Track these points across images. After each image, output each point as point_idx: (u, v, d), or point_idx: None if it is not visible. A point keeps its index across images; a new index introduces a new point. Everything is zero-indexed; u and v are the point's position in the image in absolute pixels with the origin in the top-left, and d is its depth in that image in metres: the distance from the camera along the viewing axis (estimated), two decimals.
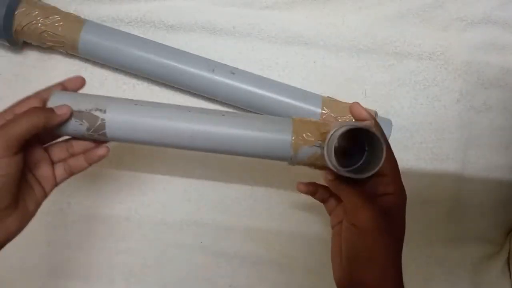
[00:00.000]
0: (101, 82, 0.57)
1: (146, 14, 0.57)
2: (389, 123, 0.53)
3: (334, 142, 0.32)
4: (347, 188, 0.34)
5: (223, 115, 0.39)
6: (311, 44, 0.58)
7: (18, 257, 0.56)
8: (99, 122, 0.37)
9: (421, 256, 0.58)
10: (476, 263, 0.59)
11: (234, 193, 0.57)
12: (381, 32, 0.58)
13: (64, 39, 0.51)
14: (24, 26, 0.51)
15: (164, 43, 0.57)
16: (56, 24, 0.51)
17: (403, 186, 0.34)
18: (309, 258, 0.57)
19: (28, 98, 0.37)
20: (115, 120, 0.37)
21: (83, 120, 0.37)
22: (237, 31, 0.57)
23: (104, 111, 0.37)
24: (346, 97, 0.58)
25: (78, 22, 0.52)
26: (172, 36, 0.57)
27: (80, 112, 0.36)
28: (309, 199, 0.57)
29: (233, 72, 0.52)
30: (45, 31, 0.51)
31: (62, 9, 0.57)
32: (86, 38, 0.51)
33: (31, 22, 0.50)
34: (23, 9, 0.50)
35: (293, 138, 0.36)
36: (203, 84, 0.52)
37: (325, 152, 0.34)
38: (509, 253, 0.59)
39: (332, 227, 0.40)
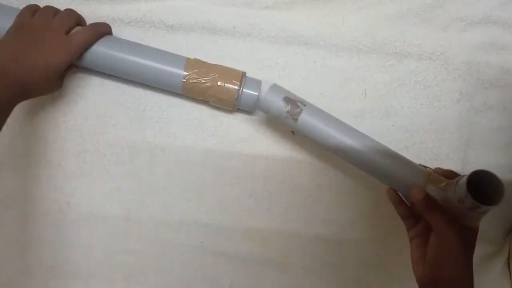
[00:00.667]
0: (101, 82, 0.57)
1: (146, 14, 0.57)
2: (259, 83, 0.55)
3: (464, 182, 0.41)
4: (437, 211, 0.43)
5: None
6: (311, 44, 0.58)
7: (18, 257, 0.56)
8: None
9: None
10: (476, 263, 0.59)
11: (234, 193, 0.57)
12: (381, 32, 0.58)
13: None
14: None
15: (164, 43, 0.57)
16: None
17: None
18: (309, 258, 0.57)
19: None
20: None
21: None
22: (237, 31, 0.57)
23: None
24: (346, 97, 0.58)
25: None
26: (172, 36, 0.57)
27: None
28: (308, 199, 0.57)
29: None
30: None
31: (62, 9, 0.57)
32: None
33: None
34: None
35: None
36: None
37: (456, 188, 0.42)
38: (509, 253, 0.59)
39: (411, 240, 0.48)
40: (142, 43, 0.57)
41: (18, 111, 0.55)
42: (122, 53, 0.51)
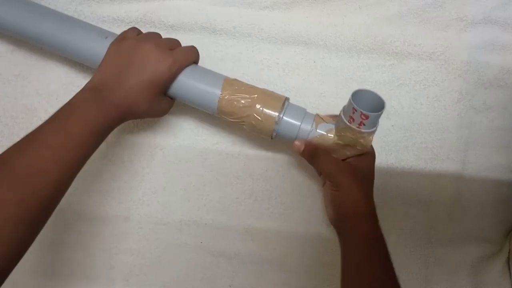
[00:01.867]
0: None
1: (146, 14, 0.57)
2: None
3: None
4: (320, 156, 0.46)
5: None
6: (311, 44, 0.58)
7: None
8: None
9: (421, 256, 0.58)
10: (476, 263, 0.59)
11: (234, 193, 0.57)
12: (381, 32, 0.58)
13: None
14: None
15: None
16: None
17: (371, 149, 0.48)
18: (309, 258, 0.57)
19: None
20: None
21: None
22: (237, 31, 0.57)
23: None
24: (346, 97, 0.58)
25: None
26: (172, 36, 0.57)
27: None
28: (308, 199, 0.57)
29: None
30: None
31: (62, 9, 0.57)
32: None
33: None
34: None
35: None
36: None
37: (343, 114, 0.44)
38: (509, 253, 0.59)
39: (323, 185, 0.51)
40: None
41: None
42: None
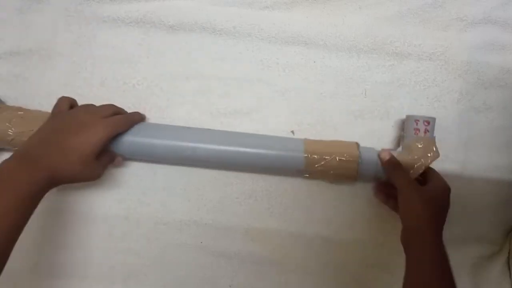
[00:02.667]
0: (101, 82, 0.57)
1: (146, 15, 0.57)
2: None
3: None
4: (399, 170, 0.50)
5: None
6: (311, 44, 0.58)
7: (18, 257, 0.55)
8: None
9: None
10: (476, 263, 0.59)
11: (234, 193, 0.57)
12: (381, 32, 0.58)
13: None
14: None
15: (165, 43, 0.57)
16: (24, 132, 0.49)
17: (443, 179, 0.51)
18: (309, 258, 0.57)
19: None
20: None
21: None
22: (237, 31, 0.57)
23: None
24: (346, 97, 0.58)
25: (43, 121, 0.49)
26: (172, 36, 0.57)
27: None
28: (308, 199, 0.57)
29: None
30: (14, 139, 0.50)
31: (62, 9, 0.57)
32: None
33: (2, 135, 0.49)
34: None
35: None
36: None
37: (404, 133, 0.53)
38: (509, 253, 0.59)
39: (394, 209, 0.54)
40: (143, 43, 0.57)
41: None
42: (238, 147, 0.51)
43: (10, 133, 0.49)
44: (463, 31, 0.59)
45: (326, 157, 0.50)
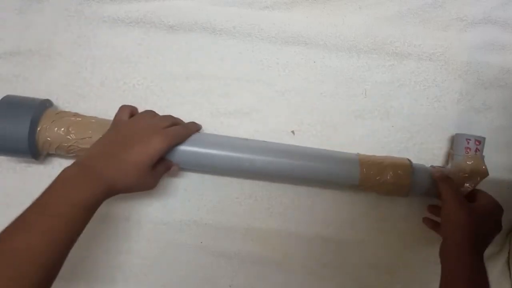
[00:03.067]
0: (101, 82, 0.57)
1: (147, 15, 0.57)
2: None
3: None
4: (447, 183, 0.50)
5: None
6: (311, 44, 0.58)
7: None
8: None
9: (421, 256, 0.58)
10: None
11: (234, 193, 0.57)
12: (381, 32, 0.58)
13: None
14: (51, 146, 0.49)
15: (164, 43, 0.57)
16: (84, 138, 0.49)
17: (494, 200, 0.51)
18: (309, 258, 0.57)
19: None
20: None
21: None
22: (237, 31, 0.57)
23: None
24: (346, 97, 0.58)
25: (103, 127, 0.49)
26: (172, 37, 0.57)
27: None
28: (308, 199, 0.57)
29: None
30: (72, 145, 0.49)
31: (62, 9, 0.57)
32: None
33: (60, 141, 0.49)
34: (44, 127, 0.48)
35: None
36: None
37: (454, 152, 0.55)
38: (509, 253, 0.59)
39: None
40: (143, 43, 0.57)
41: None
42: (296, 160, 0.51)
43: (69, 138, 0.49)
44: (463, 31, 0.59)
45: (380, 173, 0.51)
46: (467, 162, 0.53)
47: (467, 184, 0.52)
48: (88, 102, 0.56)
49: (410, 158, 0.54)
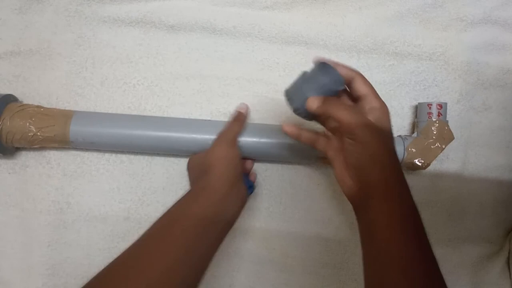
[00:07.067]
0: (101, 82, 0.57)
1: (147, 15, 0.57)
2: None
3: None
4: (338, 106, 0.39)
5: None
6: (311, 44, 0.58)
7: (18, 257, 0.56)
8: None
9: None
10: (476, 263, 0.59)
11: None
12: (381, 32, 0.58)
13: (55, 138, 0.51)
14: (14, 137, 0.50)
15: (164, 43, 0.57)
16: (47, 127, 0.50)
17: (383, 101, 0.41)
18: (309, 258, 0.57)
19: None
20: None
21: None
22: (237, 31, 0.57)
23: None
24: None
25: (65, 116, 0.51)
26: (172, 37, 0.57)
27: None
28: (308, 199, 0.57)
29: None
30: (35, 134, 0.50)
31: (62, 9, 0.57)
32: (76, 130, 0.51)
33: (23, 132, 0.50)
34: (6, 119, 0.50)
35: None
36: None
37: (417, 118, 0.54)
38: (509, 253, 0.59)
39: (330, 156, 0.44)
40: (143, 43, 0.57)
41: None
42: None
43: (32, 128, 0.50)
44: (463, 31, 0.59)
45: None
46: (431, 127, 0.53)
47: (434, 147, 0.52)
48: (88, 102, 0.56)
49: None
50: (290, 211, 0.57)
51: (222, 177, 0.44)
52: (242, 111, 0.53)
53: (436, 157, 0.52)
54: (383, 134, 0.39)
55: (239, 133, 0.50)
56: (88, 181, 0.56)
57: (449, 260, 0.58)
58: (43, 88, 0.56)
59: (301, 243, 0.57)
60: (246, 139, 0.51)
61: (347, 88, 0.43)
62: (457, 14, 0.59)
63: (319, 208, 0.57)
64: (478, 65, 0.59)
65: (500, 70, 0.59)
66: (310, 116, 0.42)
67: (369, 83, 0.42)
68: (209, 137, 0.50)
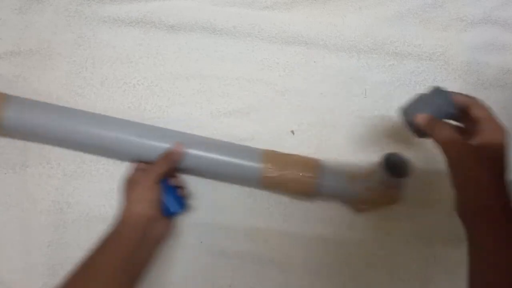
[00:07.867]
0: (101, 82, 0.57)
1: (147, 15, 0.57)
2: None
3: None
4: (441, 125, 0.41)
5: None
6: (311, 44, 0.58)
7: (18, 257, 0.56)
8: None
9: (421, 256, 0.58)
10: None
11: (234, 193, 0.57)
12: (381, 32, 0.58)
13: None
14: None
15: (164, 43, 0.57)
16: None
17: (501, 124, 0.40)
18: (309, 258, 0.57)
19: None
20: None
21: None
22: (237, 31, 0.57)
23: None
24: (346, 97, 0.58)
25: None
26: (172, 36, 0.57)
27: None
28: (309, 199, 0.57)
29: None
30: None
31: (62, 9, 0.57)
32: (10, 115, 0.49)
33: None
34: None
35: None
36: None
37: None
38: None
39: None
40: (143, 43, 0.57)
41: None
42: (197, 150, 0.51)
43: None
44: (463, 31, 0.59)
45: (284, 172, 0.51)
46: None
47: None
48: (88, 102, 0.56)
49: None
50: (290, 211, 0.57)
51: (136, 226, 0.47)
52: (176, 150, 0.51)
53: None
54: (488, 159, 0.38)
55: (163, 174, 0.50)
56: (88, 181, 0.56)
57: (449, 260, 0.58)
58: (43, 88, 0.56)
59: (301, 243, 0.57)
60: (190, 152, 0.51)
61: (461, 114, 0.42)
62: (457, 14, 0.59)
63: (319, 208, 0.57)
64: (478, 65, 0.59)
65: (500, 70, 0.59)
66: (421, 133, 0.43)
67: (487, 107, 0.41)
68: (146, 141, 0.50)
